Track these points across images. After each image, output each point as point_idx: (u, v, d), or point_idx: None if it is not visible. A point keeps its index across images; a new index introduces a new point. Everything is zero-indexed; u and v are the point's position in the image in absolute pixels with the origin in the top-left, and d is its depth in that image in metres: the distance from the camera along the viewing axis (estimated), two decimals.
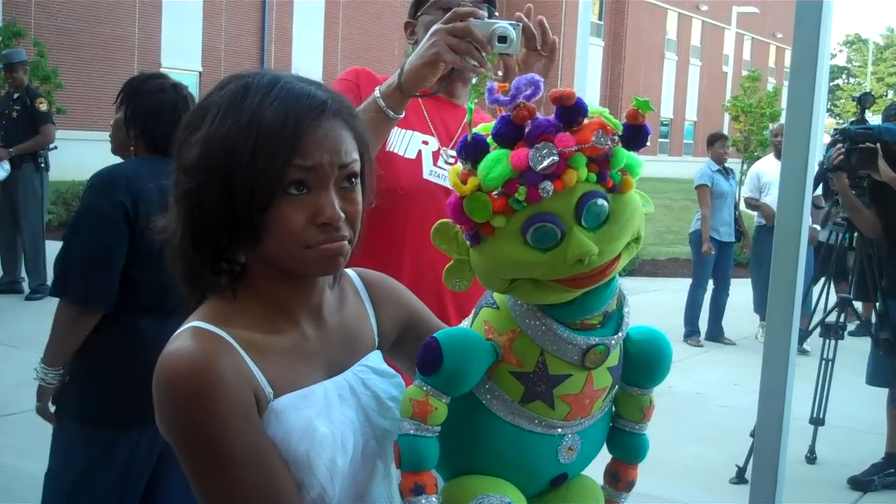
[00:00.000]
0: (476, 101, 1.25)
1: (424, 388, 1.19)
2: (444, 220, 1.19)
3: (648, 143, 1.15)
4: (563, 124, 1.10)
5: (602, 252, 1.10)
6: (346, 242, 1.20)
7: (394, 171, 2.06)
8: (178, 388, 1.11)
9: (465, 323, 1.29)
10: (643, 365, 1.28)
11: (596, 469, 1.36)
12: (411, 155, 2.14)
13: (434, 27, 1.81)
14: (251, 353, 1.17)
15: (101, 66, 20.09)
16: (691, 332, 7.97)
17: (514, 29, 1.80)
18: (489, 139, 1.14)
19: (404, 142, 2.13)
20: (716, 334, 8.09)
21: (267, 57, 23.70)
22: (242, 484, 1.12)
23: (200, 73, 22.08)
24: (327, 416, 1.21)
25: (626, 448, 1.35)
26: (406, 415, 1.19)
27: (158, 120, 2.60)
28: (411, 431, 1.19)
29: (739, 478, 4.63)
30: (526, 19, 1.91)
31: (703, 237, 7.82)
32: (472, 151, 1.14)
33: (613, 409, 1.33)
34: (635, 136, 1.13)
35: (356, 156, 1.22)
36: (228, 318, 1.19)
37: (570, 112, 1.10)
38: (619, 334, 1.21)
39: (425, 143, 2.16)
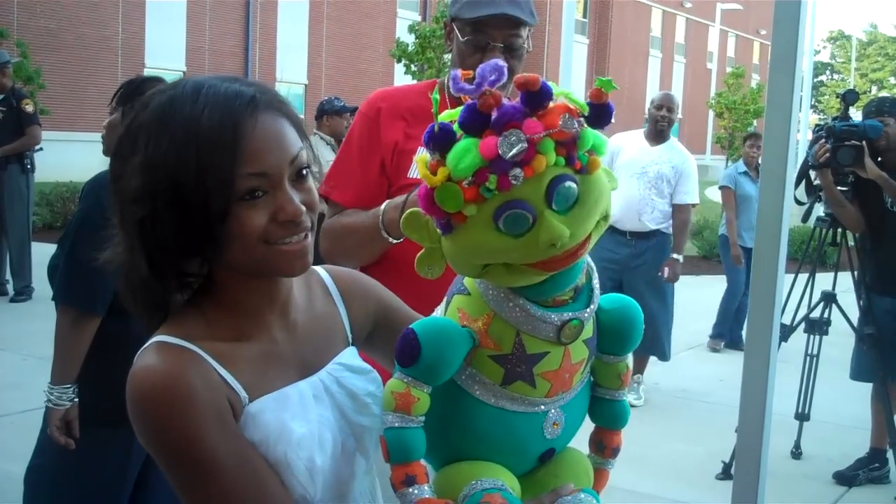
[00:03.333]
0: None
1: (405, 381, 1.19)
2: (414, 209, 1.19)
3: (614, 121, 1.16)
4: (529, 110, 1.10)
5: (574, 234, 1.12)
6: (310, 239, 1.20)
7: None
8: (150, 405, 1.11)
9: (438, 312, 1.30)
10: (616, 333, 1.30)
11: (581, 440, 1.37)
12: None
13: None
14: (221, 361, 1.17)
15: (84, 66, 19.99)
16: (718, 335, 7.82)
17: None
18: (455, 126, 1.13)
19: None
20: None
21: (251, 56, 23.60)
22: (230, 489, 1.13)
23: (184, 72, 21.99)
24: (303, 417, 1.21)
25: (608, 415, 1.37)
26: (389, 408, 1.20)
27: None
28: (396, 424, 1.19)
29: (725, 474, 4.64)
30: None
31: (731, 244, 7.45)
32: (439, 142, 1.13)
33: (592, 379, 1.35)
34: (600, 115, 1.13)
35: (300, 143, 1.20)
36: (194, 330, 1.18)
37: (536, 97, 1.10)
38: (592, 307, 1.23)
39: None
